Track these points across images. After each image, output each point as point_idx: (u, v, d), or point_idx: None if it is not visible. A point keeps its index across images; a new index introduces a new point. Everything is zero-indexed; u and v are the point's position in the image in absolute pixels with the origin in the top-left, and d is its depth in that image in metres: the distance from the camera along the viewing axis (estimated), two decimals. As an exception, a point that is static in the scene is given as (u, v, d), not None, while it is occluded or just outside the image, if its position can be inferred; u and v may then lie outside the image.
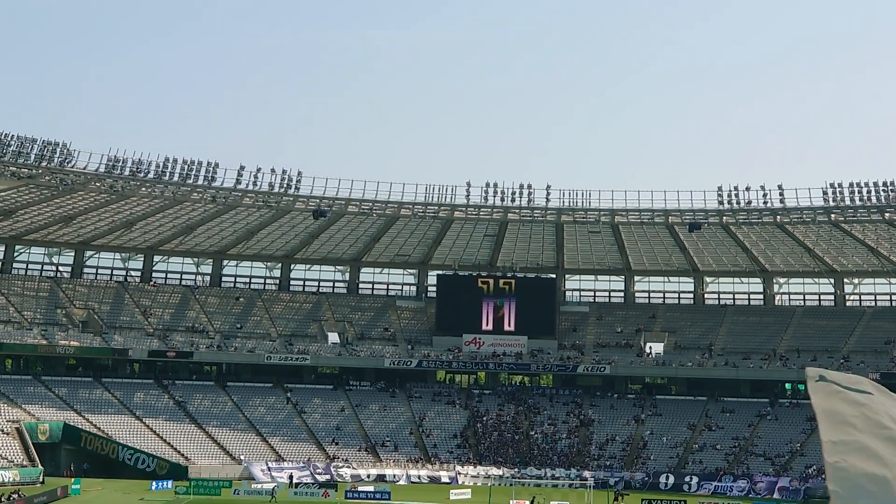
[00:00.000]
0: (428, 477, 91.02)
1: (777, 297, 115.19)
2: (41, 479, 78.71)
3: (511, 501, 74.47)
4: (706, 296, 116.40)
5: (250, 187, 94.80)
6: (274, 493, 75.39)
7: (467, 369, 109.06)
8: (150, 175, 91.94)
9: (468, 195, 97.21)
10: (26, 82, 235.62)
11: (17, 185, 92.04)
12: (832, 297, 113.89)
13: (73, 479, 76.15)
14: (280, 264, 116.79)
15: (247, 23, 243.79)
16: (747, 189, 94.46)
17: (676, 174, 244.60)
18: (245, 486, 79.06)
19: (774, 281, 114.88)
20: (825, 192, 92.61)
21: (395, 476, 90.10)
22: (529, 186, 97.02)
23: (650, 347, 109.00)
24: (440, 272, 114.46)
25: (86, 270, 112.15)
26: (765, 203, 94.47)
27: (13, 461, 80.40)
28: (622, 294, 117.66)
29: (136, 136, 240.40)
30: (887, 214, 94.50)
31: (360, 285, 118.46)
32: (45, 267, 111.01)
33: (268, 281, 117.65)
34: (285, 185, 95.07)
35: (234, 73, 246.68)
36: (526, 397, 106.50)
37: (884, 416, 6.41)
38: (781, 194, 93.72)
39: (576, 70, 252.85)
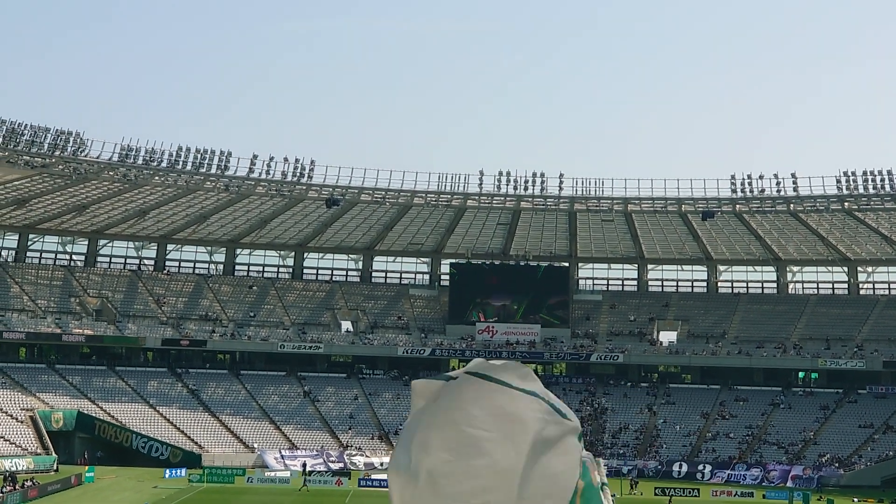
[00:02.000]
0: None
1: (790, 286, 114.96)
2: (55, 467, 79.09)
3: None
4: (719, 284, 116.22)
5: (263, 176, 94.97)
6: (306, 481, 75.28)
7: (480, 358, 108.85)
8: (164, 164, 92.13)
9: (481, 183, 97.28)
10: (39, 71, 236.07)
11: (30, 175, 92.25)
12: (846, 285, 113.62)
13: (87, 467, 76.51)
14: (293, 253, 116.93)
15: (260, 11, 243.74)
16: (760, 177, 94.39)
17: (689, 162, 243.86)
18: (259, 473, 79.39)
19: (788, 269, 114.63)
20: (838, 180, 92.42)
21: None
22: (542, 175, 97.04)
23: (663, 336, 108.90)
24: (453, 260, 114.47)
25: (99, 259, 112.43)
26: (778, 191, 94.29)
27: (27, 449, 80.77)
28: (635, 282, 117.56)
29: (150, 124, 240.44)
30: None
31: (374, 274, 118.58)
32: (59, 256, 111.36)
33: (281, 269, 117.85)
34: (298, 174, 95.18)
35: (247, 62, 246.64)
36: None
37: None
38: (795, 182, 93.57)
39: (588, 57, 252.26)
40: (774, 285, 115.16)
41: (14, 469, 74.32)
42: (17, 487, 65.05)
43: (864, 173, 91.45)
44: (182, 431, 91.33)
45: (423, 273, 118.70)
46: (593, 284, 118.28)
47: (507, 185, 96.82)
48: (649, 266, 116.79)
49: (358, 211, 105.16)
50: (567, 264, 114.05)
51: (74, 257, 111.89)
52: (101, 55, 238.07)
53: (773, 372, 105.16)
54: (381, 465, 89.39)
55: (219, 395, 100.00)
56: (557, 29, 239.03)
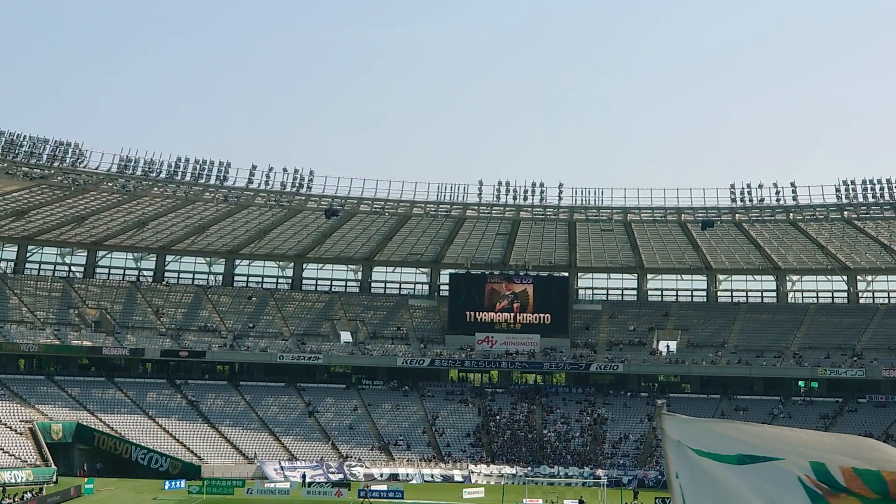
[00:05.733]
0: (441, 476, 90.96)
1: (790, 295, 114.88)
2: (55, 479, 78.86)
3: (524, 500, 74.34)
4: (719, 294, 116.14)
5: (262, 187, 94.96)
6: (363, 496, 75.10)
7: (480, 368, 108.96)
8: (163, 175, 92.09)
9: (480, 194, 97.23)
10: (38, 83, 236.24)
11: (29, 186, 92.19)
12: (845, 294, 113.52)
13: (86, 479, 76.34)
14: (292, 263, 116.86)
15: (259, 22, 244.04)
16: (760, 186, 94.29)
17: (689, 172, 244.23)
18: (258, 485, 79.13)
19: (787, 278, 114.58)
20: (838, 190, 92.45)
21: (408, 475, 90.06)
22: (542, 185, 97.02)
23: (663, 346, 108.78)
24: (452, 271, 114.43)
25: (98, 270, 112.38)
26: (777, 200, 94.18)
27: (27, 461, 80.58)
28: (635, 292, 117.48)
29: (148, 136, 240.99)
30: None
31: (373, 284, 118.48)
32: (58, 267, 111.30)
33: (280, 280, 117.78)
34: (297, 185, 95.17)
35: (246, 73, 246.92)
36: (539, 396, 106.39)
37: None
38: (794, 192, 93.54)
39: (587, 68, 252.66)
40: (774, 294, 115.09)
41: (14, 481, 74.19)
42: (16, 499, 64.85)
43: (864, 182, 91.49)
44: (181, 443, 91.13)
45: (422, 283, 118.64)
46: (593, 294, 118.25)
47: (507, 194, 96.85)
48: (649, 276, 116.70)
49: (357, 221, 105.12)
50: (567, 274, 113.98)
51: (73, 268, 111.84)
52: (100, 66, 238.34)
53: (772, 381, 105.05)
54: (381, 475, 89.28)
55: (218, 407, 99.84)
56: (558, 39, 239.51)
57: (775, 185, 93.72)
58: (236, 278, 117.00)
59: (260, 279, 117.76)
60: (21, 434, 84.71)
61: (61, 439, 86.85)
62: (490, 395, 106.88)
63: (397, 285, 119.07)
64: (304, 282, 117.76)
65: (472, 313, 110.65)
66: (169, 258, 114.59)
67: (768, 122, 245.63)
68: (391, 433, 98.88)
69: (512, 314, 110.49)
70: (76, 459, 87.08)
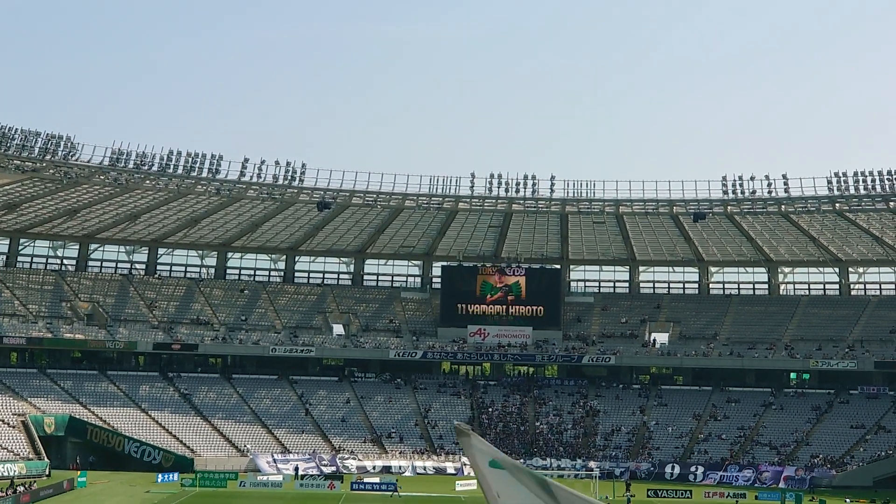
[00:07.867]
0: (433, 468, 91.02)
1: (782, 287, 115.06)
2: (47, 472, 78.81)
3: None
4: (711, 285, 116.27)
5: (254, 179, 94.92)
6: (396, 490, 74.88)
7: (472, 360, 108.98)
8: (155, 168, 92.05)
9: (472, 186, 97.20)
10: (30, 75, 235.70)
11: (21, 179, 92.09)
12: (837, 286, 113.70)
13: (79, 472, 76.38)
14: (284, 256, 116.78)
15: (252, 15, 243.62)
16: (752, 179, 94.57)
17: (681, 164, 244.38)
18: (251, 478, 79.15)
19: (779, 270, 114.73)
20: (829, 182, 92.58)
21: (400, 467, 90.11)
22: (534, 177, 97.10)
23: (655, 338, 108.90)
24: (445, 263, 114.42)
25: (90, 263, 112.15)
26: (769, 192, 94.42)
27: (20, 454, 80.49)
28: (627, 284, 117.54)
29: (140, 128, 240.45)
30: (892, 203, 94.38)
31: (365, 277, 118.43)
32: (50, 260, 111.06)
33: (272, 273, 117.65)
34: (289, 178, 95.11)
35: (238, 66, 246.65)
36: (531, 388, 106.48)
37: None
38: (786, 184, 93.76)
39: (578, 61, 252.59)
40: (766, 286, 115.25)
41: (7, 474, 74.09)
42: (8, 492, 64.84)
43: (855, 174, 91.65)
44: (174, 436, 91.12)
45: (414, 276, 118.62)
46: (585, 286, 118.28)
47: (499, 187, 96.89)
48: (641, 268, 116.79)
49: (349, 214, 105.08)
50: (559, 266, 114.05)
51: (65, 262, 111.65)
52: (92, 59, 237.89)
53: (764, 373, 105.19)
54: (374, 468, 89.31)
55: (210, 399, 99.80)
56: (549, 31, 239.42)
57: (767, 178, 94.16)
58: (228, 271, 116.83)
59: (252, 272, 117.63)
60: (13, 427, 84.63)
61: (54, 432, 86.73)
62: (482, 387, 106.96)
63: (389, 278, 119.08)
64: (297, 274, 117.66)
65: (465, 306, 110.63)
66: (161, 251, 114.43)
67: (760, 114, 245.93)
68: (384, 425, 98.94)
69: (504, 306, 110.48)
70: (69, 452, 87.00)
